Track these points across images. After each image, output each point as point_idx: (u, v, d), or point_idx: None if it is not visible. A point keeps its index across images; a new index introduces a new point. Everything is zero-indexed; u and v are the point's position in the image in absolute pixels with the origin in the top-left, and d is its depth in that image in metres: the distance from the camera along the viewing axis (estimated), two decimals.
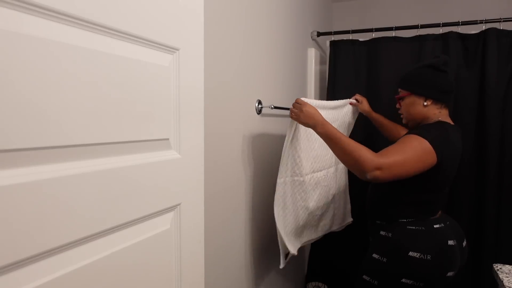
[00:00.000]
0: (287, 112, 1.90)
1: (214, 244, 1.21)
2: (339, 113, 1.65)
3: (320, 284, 2.19)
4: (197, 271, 0.87)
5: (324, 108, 1.51)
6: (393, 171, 1.16)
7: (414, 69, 1.39)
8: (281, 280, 1.90)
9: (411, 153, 1.18)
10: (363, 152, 1.16)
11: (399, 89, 1.43)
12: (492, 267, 1.21)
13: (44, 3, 0.49)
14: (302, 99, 1.34)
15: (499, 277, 1.12)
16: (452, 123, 1.36)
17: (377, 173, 1.14)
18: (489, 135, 1.84)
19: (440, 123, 1.31)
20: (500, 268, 1.18)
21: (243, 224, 1.43)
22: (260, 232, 1.61)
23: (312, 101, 1.40)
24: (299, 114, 1.30)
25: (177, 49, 0.77)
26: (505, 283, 1.07)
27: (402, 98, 1.41)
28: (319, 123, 1.26)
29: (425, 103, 1.34)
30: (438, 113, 1.35)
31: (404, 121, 1.46)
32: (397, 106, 1.46)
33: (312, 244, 2.20)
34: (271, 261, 1.75)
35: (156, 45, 0.71)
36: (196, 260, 0.86)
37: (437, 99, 1.34)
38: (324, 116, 1.30)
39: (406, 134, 1.30)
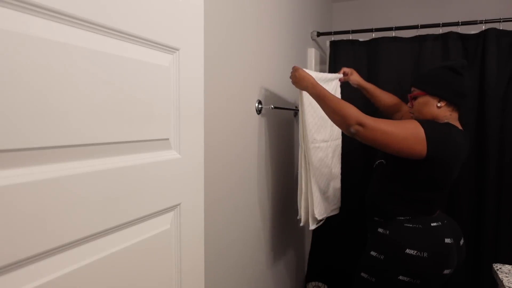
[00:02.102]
0: (287, 112, 1.90)
1: (214, 244, 1.21)
2: (328, 88, 1.65)
3: (320, 284, 2.19)
4: (197, 271, 0.87)
5: (318, 80, 1.55)
6: (374, 134, 1.23)
7: (431, 69, 1.38)
8: (281, 280, 1.90)
9: (400, 130, 1.23)
10: (351, 109, 1.28)
11: (413, 88, 1.41)
12: (491, 267, 1.21)
13: (44, 3, 0.49)
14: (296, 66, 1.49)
15: (498, 277, 1.12)
16: (460, 127, 1.35)
17: (359, 128, 1.24)
18: (489, 135, 1.84)
19: (448, 125, 1.30)
20: (500, 268, 1.18)
21: (243, 223, 1.43)
22: (261, 231, 1.61)
23: (309, 71, 1.51)
24: (293, 78, 1.46)
25: (177, 49, 0.77)
26: (505, 283, 1.07)
27: (415, 98, 1.39)
28: (310, 85, 1.40)
29: (439, 104, 1.32)
30: (449, 116, 1.34)
31: None
32: (409, 105, 1.44)
33: (312, 244, 2.20)
34: (271, 261, 1.75)
35: (156, 45, 0.71)
36: (196, 260, 0.87)
37: (451, 102, 1.32)
38: None
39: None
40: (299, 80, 1.44)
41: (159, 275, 0.74)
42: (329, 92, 1.35)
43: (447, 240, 1.28)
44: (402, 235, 1.28)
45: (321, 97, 1.35)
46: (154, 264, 0.73)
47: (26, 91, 0.47)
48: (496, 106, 1.84)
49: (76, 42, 0.54)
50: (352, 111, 1.26)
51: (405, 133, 1.22)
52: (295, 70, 1.47)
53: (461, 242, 1.37)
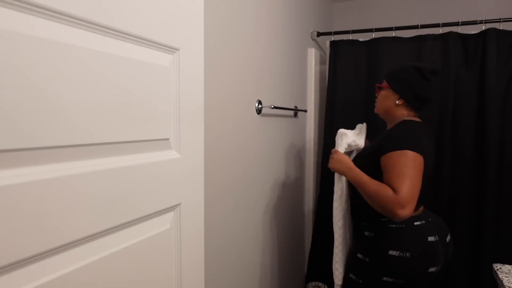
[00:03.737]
0: (287, 112, 1.90)
1: (214, 244, 1.21)
2: (362, 139, 1.56)
3: (320, 284, 2.19)
4: (197, 271, 0.87)
5: (354, 136, 1.49)
6: (413, 200, 1.18)
7: (403, 66, 1.43)
8: (281, 280, 1.90)
9: (413, 173, 1.20)
10: (385, 194, 1.19)
11: (384, 80, 1.47)
12: (492, 267, 1.21)
13: (44, 3, 0.49)
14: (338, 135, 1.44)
15: (498, 277, 1.12)
16: (419, 120, 1.38)
17: (403, 212, 1.17)
18: (489, 135, 1.84)
19: (407, 123, 1.32)
20: (500, 268, 1.18)
21: (243, 224, 1.43)
22: (260, 231, 1.61)
23: (346, 132, 1.46)
24: (331, 161, 1.39)
25: (177, 49, 0.77)
26: (505, 283, 1.07)
27: (381, 88, 1.46)
28: (347, 169, 1.34)
29: (397, 102, 1.38)
30: (406, 114, 1.39)
31: (375, 110, 1.51)
32: (376, 94, 1.50)
33: (312, 244, 2.20)
34: (271, 261, 1.75)
35: (156, 45, 0.71)
36: (196, 260, 0.87)
37: (409, 102, 1.37)
38: (362, 142, 1.45)
39: (386, 151, 1.27)
40: (335, 163, 1.37)
41: (159, 275, 0.74)
42: (367, 177, 1.28)
43: (431, 238, 1.29)
44: (385, 237, 1.29)
45: (359, 183, 1.29)
46: (154, 264, 0.73)
47: (26, 91, 0.47)
48: (496, 106, 1.84)
49: (76, 42, 0.54)
50: (390, 199, 1.18)
51: (416, 170, 1.21)
52: (333, 153, 1.41)
53: (448, 238, 1.38)
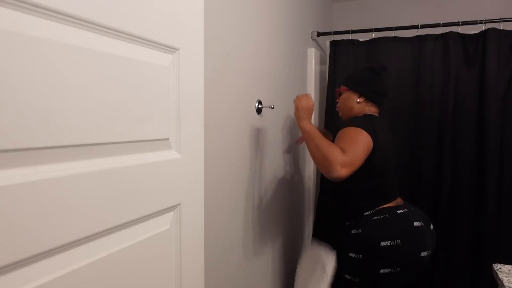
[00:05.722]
0: (287, 112, 1.90)
1: (214, 244, 1.21)
2: None
3: None
4: (197, 271, 0.87)
5: None
6: (353, 166, 1.27)
7: (357, 70, 1.58)
8: (281, 279, 1.90)
9: (361, 145, 1.31)
10: (333, 150, 1.26)
11: (342, 85, 1.58)
12: (492, 267, 1.21)
13: (44, 3, 0.49)
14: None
15: (498, 277, 1.12)
16: (378, 116, 1.50)
17: (342, 171, 1.24)
18: (489, 135, 1.84)
19: (366, 116, 1.45)
20: (500, 268, 1.18)
21: (243, 223, 1.43)
22: (260, 231, 1.61)
23: None
24: (297, 104, 1.48)
25: (177, 49, 0.77)
26: (505, 283, 1.07)
27: (340, 93, 1.57)
28: (308, 116, 1.46)
29: (358, 100, 1.50)
30: (367, 110, 1.50)
31: (340, 114, 1.60)
32: (337, 100, 1.61)
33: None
34: (271, 261, 1.75)
35: (156, 45, 0.71)
36: (196, 260, 0.87)
37: (369, 98, 1.49)
38: None
39: (341, 129, 1.40)
40: (298, 109, 1.47)
41: (159, 275, 0.74)
42: (319, 133, 1.36)
43: (416, 224, 1.33)
44: (373, 230, 1.33)
45: (313, 134, 1.36)
46: (154, 264, 0.73)
47: (27, 91, 0.47)
48: (496, 106, 1.84)
49: (75, 42, 0.54)
50: (336, 155, 1.25)
51: (363, 144, 1.31)
52: (296, 98, 1.51)
53: (431, 227, 1.42)
